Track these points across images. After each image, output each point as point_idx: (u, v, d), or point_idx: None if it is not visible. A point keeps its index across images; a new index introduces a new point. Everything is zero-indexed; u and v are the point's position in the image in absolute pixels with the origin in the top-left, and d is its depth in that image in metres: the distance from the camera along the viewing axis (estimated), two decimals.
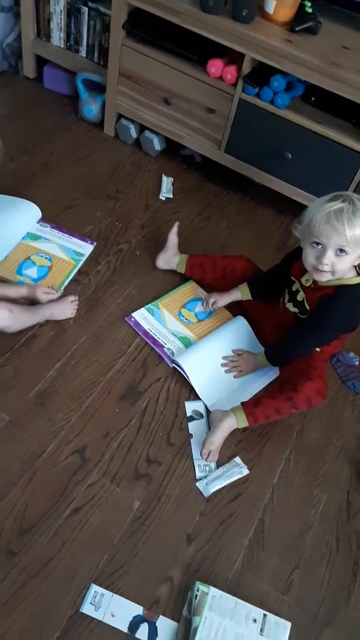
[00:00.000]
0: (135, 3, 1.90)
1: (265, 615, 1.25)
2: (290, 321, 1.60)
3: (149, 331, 1.70)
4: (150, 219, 2.05)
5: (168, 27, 1.88)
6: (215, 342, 1.69)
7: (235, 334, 1.72)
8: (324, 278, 1.42)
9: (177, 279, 1.87)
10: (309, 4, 1.78)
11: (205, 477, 1.45)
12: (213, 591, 1.25)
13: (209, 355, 1.66)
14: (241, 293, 1.72)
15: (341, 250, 1.35)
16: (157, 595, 1.25)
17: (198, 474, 1.45)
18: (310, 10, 1.78)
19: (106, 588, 1.23)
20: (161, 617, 1.22)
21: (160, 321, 1.74)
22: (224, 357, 1.67)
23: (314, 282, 1.48)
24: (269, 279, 1.70)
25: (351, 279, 1.44)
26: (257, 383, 1.66)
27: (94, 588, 1.22)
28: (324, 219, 1.32)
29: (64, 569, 1.24)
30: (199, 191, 2.22)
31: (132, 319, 1.72)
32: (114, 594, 1.22)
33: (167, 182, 2.19)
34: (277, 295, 1.67)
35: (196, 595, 1.23)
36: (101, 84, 2.22)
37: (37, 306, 1.61)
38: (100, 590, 1.22)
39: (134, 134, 2.27)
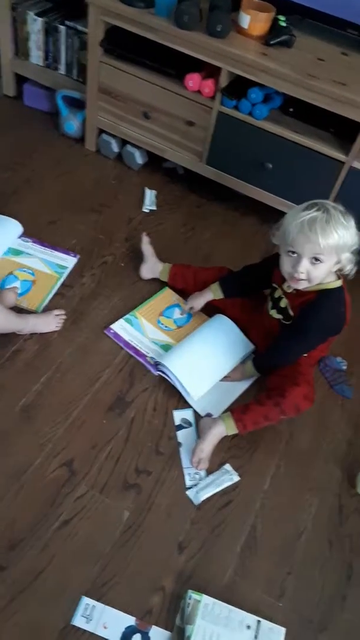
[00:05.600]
0: (111, 21, 1.93)
1: (259, 622, 1.23)
2: (276, 328, 1.61)
3: (129, 342, 1.69)
4: (134, 231, 2.06)
5: (145, 43, 1.91)
6: (197, 337, 1.69)
7: (218, 329, 1.72)
8: (300, 286, 1.44)
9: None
10: (282, 18, 1.81)
11: (196, 485, 1.44)
12: (205, 599, 1.23)
13: (193, 351, 1.64)
14: (212, 292, 1.73)
15: (316, 259, 1.36)
16: (150, 605, 1.23)
17: (188, 483, 1.44)
18: (284, 24, 1.81)
19: (98, 600, 1.21)
20: (154, 627, 1.20)
21: (140, 331, 1.73)
22: None
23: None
24: (244, 276, 1.71)
25: (332, 283, 1.45)
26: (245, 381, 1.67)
27: (85, 600, 1.20)
28: (297, 229, 1.34)
29: (54, 582, 1.22)
30: (182, 203, 2.24)
31: (112, 331, 1.71)
32: (106, 606, 1.20)
33: (150, 195, 2.21)
34: (254, 292, 1.67)
35: (188, 604, 1.21)
36: (81, 100, 2.25)
37: (23, 315, 1.60)
38: (92, 602, 1.20)
39: (115, 148, 2.29)
